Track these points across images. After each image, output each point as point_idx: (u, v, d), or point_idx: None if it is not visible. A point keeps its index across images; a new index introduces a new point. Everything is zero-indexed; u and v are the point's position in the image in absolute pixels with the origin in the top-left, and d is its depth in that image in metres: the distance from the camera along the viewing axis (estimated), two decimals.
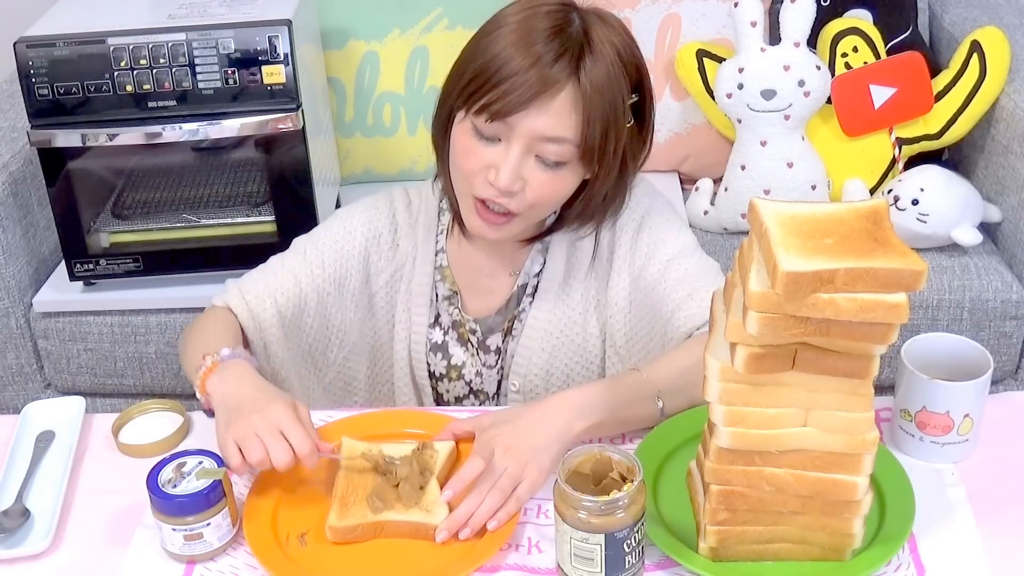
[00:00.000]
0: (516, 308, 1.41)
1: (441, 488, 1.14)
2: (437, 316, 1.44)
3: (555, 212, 1.35)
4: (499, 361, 1.43)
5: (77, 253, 1.92)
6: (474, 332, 1.43)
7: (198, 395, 1.24)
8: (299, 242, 1.43)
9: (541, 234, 1.37)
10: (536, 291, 1.40)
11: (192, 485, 1.09)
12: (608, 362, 1.41)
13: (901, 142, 2.07)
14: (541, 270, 1.40)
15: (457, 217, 1.36)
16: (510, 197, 1.25)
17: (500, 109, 1.19)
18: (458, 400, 1.46)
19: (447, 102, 1.28)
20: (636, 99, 1.25)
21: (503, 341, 1.42)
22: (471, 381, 1.45)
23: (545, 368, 1.40)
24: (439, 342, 1.44)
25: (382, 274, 1.43)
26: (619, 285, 1.37)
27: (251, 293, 1.38)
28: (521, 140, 1.21)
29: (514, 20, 1.22)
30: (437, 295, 1.43)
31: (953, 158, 2.23)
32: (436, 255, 1.43)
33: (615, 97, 1.21)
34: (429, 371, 1.45)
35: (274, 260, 1.43)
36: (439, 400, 1.47)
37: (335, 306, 1.41)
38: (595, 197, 1.30)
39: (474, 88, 1.21)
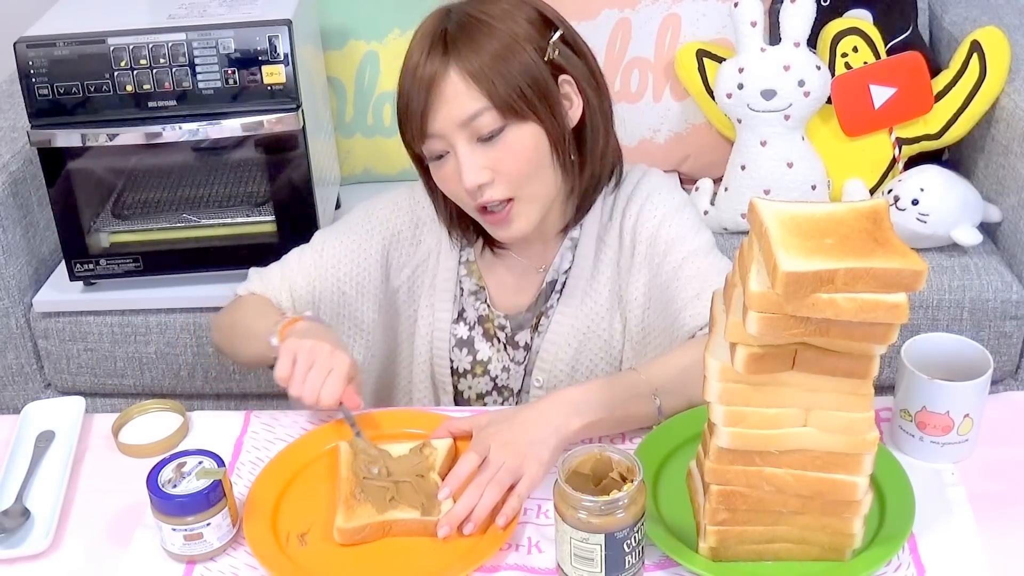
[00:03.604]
0: (544, 304, 1.42)
1: None
2: (461, 311, 1.44)
3: (576, 203, 1.38)
4: (526, 357, 1.44)
5: (77, 253, 1.93)
6: (503, 328, 1.43)
7: (273, 341, 1.29)
8: (319, 237, 1.46)
9: (569, 224, 1.39)
10: (564, 287, 1.40)
11: (192, 485, 1.10)
12: (624, 356, 1.42)
13: (901, 142, 2.07)
14: (570, 267, 1.40)
15: (486, 237, 1.41)
16: (491, 188, 1.28)
17: (417, 126, 1.26)
18: (480, 397, 1.46)
19: (411, 155, 1.35)
20: (560, 34, 1.29)
21: (531, 338, 1.43)
22: (496, 377, 1.45)
23: (570, 364, 1.41)
24: (464, 338, 1.44)
25: (403, 270, 1.45)
26: (639, 280, 1.39)
27: (271, 284, 1.43)
28: (453, 138, 1.25)
29: (412, 40, 1.29)
30: (462, 290, 1.44)
31: (953, 158, 2.23)
32: (462, 250, 1.44)
33: (509, 49, 1.25)
34: (452, 368, 1.45)
35: (293, 254, 1.46)
36: (459, 398, 1.47)
37: (355, 304, 1.43)
38: (561, 140, 1.30)
39: (401, 123, 1.29)
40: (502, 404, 1.46)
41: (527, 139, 1.27)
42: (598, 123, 1.35)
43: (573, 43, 1.32)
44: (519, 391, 1.46)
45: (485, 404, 1.46)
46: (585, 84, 1.32)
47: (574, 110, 1.32)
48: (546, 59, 1.28)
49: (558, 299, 1.41)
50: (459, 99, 1.24)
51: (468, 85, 1.24)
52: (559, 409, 1.18)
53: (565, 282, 1.41)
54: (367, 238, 1.43)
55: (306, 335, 1.25)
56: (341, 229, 1.45)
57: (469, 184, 1.26)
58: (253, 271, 1.47)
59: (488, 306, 1.43)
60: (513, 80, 1.24)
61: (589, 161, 1.35)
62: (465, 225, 1.40)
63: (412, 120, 1.26)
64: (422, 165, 1.34)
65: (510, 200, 1.29)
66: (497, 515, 1.11)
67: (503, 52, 1.24)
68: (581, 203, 1.38)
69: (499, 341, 1.44)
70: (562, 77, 1.30)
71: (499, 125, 1.25)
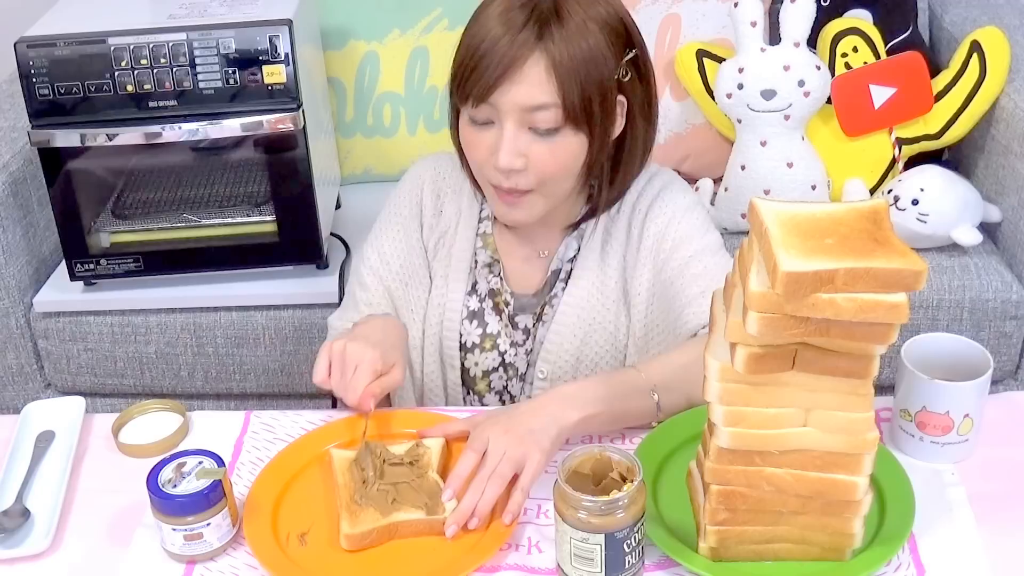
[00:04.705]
0: (549, 294, 1.42)
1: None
2: (474, 284, 1.45)
3: (586, 199, 1.39)
4: (527, 342, 1.44)
5: (77, 253, 1.92)
6: (508, 304, 1.44)
7: None
8: (366, 248, 1.47)
9: (576, 223, 1.40)
10: (569, 277, 1.41)
11: (192, 485, 1.10)
12: (628, 352, 1.42)
13: (901, 142, 2.07)
14: (575, 256, 1.41)
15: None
16: (519, 175, 1.27)
17: (479, 91, 1.24)
18: (485, 375, 1.46)
19: (451, 103, 1.33)
20: (634, 54, 1.30)
21: (533, 326, 1.43)
22: (505, 352, 1.45)
23: (575, 355, 1.41)
24: (475, 310, 1.44)
25: (429, 240, 1.46)
26: (643, 276, 1.39)
27: (350, 317, 1.44)
28: (509, 116, 1.25)
29: (487, 5, 1.27)
30: (476, 262, 1.44)
31: (953, 158, 2.23)
32: (480, 222, 1.45)
33: (594, 58, 1.25)
34: (461, 342, 1.45)
35: (352, 281, 1.49)
36: (465, 376, 1.47)
37: (416, 290, 1.45)
38: (600, 157, 1.32)
39: (460, 80, 1.27)
40: (507, 383, 1.46)
41: (573, 147, 1.28)
42: (637, 149, 1.36)
43: (643, 66, 1.33)
44: (522, 376, 1.46)
45: (491, 383, 1.46)
46: (638, 111, 1.33)
47: (614, 129, 1.32)
48: (616, 77, 1.28)
49: (563, 288, 1.41)
50: (534, 87, 1.23)
51: (549, 77, 1.23)
52: (557, 402, 1.19)
53: (571, 271, 1.41)
54: (405, 223, 1.45)
55: (354, 331, 1.30)
56: (380, 228, 1.47)
57: (504, 164, 1.26)
58: (331, 320, 1.49)
59: (501, 279, 1.44)
60: (588, 90, 1.24)
61: (619, 180, 1.37)
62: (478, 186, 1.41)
63: (476, 83, 1.24)
64: (457, 120, 1.34)
65: (530, 191, 1.30)
66: (503, 512, 1.11)
67: (589, 58, 1.24)
68: (596, 209, 1.39)
69: (505, 315, 1.44)
70: (619, 97, 1.30)
71: (557, 126, 1.25)
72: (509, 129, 1.25)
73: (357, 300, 1.45)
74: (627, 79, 1.30)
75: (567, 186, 1.33)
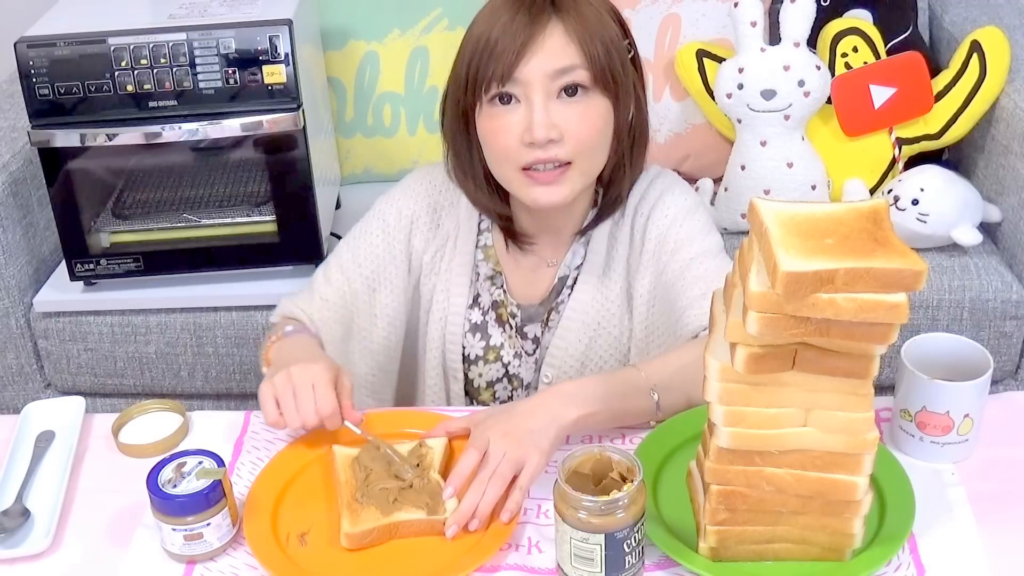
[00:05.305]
0: (555, 300, 1.42)
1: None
2: (476, 296, 1.44)
3: (596, 201, 1.39)
4: (536, 351, 1.44)
5: (77, 253, 1.93)
6: (514, 316, 1.43)
7: (263, 370, 1.32)
8: (342, 245, 1.47)
9: (583, 229, 1.40)
10: (576, 283, 1.41)
11: (192, 485, 1.10)
12: (630, 355, 1.42)
13: (901, 142, 2.07)
14: (582, 263, 1.41)
15: (504, 230, 1.41)
16: (557, 147, 1.27)
17: (503, 68, 1.24)
18: (490, 385, 1.46)
19: (455, 113, 1.33)
20: (631, 45, 1.33)
21: (541, 332, 1.43)
22: (508, 363, 1.45)
23: (580, 360, 1.41)
24: (478, 323, 1.44)
25: (424, 255, 1.45)
26: (645, 278, 1.39)
27: (299, 302, 1.45)
28: (536, 88, 1.25)
29: (490, 2, 1.29)
30: (478, 274, 1.44)
31: (953, 158, 2.23)
32: (480, 234, 1.44)
33: (606, 25, 1.29)
34: (464, 354, 1.45)
35: (319, 270, 1.48)
36: (468, 387, 1.47)
37: (384, 300, 1.44)
38: (624, 128, 1.33)
39: (476, 66, 1.27)
40: (511, 393, 1.46)
41: (603, 111, 1.29)
42: (644, 136, 1.38)
43: (638, 60, 1.36)
44: (528, 384, 1.46)
45: (495, 393, 1.46)
46: (642, 97, 1.35)
47: (632, 102, 1.34)
48: (630, 56, 1.32)
49: (569, 294, 1.41)
50: (557, 52, 1.25)
51: (569, 41, 1.25)
52: (556, 400, 1.19)
53: (576, 277, 1.41)
54: (387, 231, 1.44)
55: (280, 358, 1.29)
56: (361, 229, 1.46)
57: (539, 136, 1.25)
58: (283, 301, 1.48)
59: (504, 291, 1.43)
60: (609, 53, 1.27)
61: (627, 171, 1.37)
62: (491, 206, 1.40)
63: (497, 63, 1.25)
64: (465, 126, 1.34)
65: (567, 164, 1.29)
66: (501, 511, 1.11)
67: (602, 24, 1.28)
68: (601, 212, 1.39)
69: (511, 328, 1.44)
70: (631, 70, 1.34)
71: (584, 84, 1.27)
72: (538, 101, 1.25)
73: (314, 291, 1.45)
74: (631, 56, 1.32)
75: (600, 161, 1.33)
